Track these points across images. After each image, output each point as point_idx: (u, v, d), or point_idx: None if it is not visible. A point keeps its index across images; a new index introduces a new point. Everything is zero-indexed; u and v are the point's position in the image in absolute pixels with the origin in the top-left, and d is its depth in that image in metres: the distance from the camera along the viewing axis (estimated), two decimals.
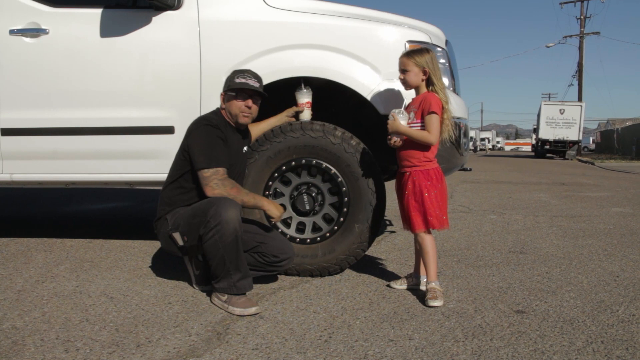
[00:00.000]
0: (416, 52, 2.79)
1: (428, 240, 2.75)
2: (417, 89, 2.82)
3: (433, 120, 2.70)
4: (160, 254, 3.61)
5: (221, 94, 2.84)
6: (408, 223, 2.81)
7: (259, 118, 3.13)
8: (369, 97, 3.09)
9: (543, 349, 2.12)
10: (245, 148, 2.97)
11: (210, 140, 2.68)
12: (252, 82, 2.77)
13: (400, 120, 2.73)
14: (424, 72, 2.75)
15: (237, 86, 2.75)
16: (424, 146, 2.73)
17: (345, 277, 3.14)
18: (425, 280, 2.86)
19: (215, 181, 2.63)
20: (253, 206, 2.73)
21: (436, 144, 2.75)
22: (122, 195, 7.06)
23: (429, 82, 2.78)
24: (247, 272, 2.61)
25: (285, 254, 2.83)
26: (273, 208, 2.74)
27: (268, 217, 2.89)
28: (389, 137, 2.79)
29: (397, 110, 2.76)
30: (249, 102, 2.78)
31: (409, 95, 2.94)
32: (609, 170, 16.58)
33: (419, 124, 2.74)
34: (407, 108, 2.83)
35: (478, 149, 51.99)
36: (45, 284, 2.91)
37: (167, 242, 2.77)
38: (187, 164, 2.74)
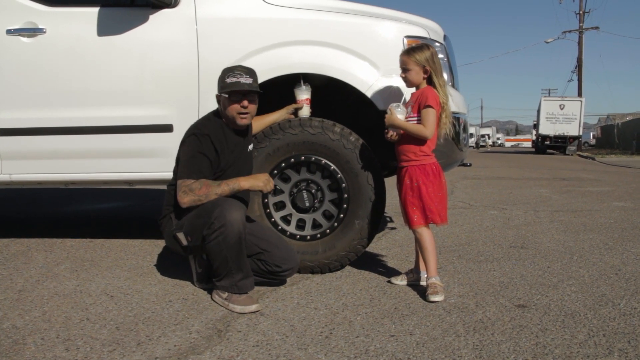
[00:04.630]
0: (416, 49, 2.75)
1: (426, 236, 2.74)
2: (417, 86, 2.81)
3: (429, 114, 2.68)
4: (160, 253, 3.61)
5: (216, 96, 2.76)
6: (405, 219, 2.81)
7: (258, 114, 3.12)
8: (367, 93, 3.08)
9: (544, 342, 2.11)
10: (250, 147, 2.93)
11: (192, 151, 2.62)
12: (244, 80, 2.63)
13: (398, 114, 2.72)
14: (425, 71, 2.74)
15: (229, 88, 2.63)
16: (420, 140, 2.73)
17: (345, 273, 3.13)
18: (425, 276, 2.86)
19: (183, 189, 2.56)
20: (231, 192, 2.60)
21: (432, 138, 2.74)
22: (122, 195, 7.06)
23: (429, 80, 2.77)
24: (249, 272, 2.60)
25: (288, 264, 2.79)
26: (254, 182, 2.65)
27: (263, 195, 2.81)
28: (386, 131, 2.78)
29: (394, 105, 2.75)
30: (244, 102, 2.65)
31: (408, 91, 2.94)
32: (609, 165, 16.56)
33: (416, 118, 2.73)
34: (406, 103, 2.83)
35: (479, 146, 52.02)
36: (46, 284, 2.90)
37: (171, 241, 2.75)
38: None
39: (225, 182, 2.63)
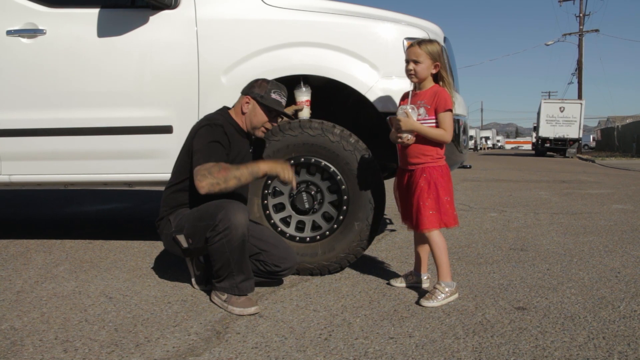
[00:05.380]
0: (427, 42, 2.67)
1: (440, 238, 2.65)
2: (421, 82, 2.68)
3: (448, 118, 2.60)
4: (159, 254, 3.60)
5: (247, 97, 2.76)
6: (417, 221, 2.65)
7: None
8: (367, 95, 3.08)
9: (544, 345, 2.11)
10: (251, 149, 2.95)
11: (208, 139, 2.62)
12: (284, 102, 2.80)
13: (412, 116, 2.60)
14: (436, 66, 2.64)
15: (273, 104, 2.73)
16: (437, 142, 2.64)
17: (345, 275, 3.13)
18: (425, 277, 2.86)
19: (202, 172, 2.51)
20: (251, 176, 2.57)
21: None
22: (121, 196, 7.06)
23: (436, 77, 2.68)
24: (250, 275, 2.59)
25: (286, 263, 2.79)
26: (274, 166, 2.61)
27: (281, 181, 2.66)
28: (400, 135, 2.64)
29: (409, 107, 2.62)
30: (275, 123, 2.82)
31: (405, 90, 2.83)
32: (609, 168, 16.56)
33: (433, 121, 2.63)
34: (413, 103, 2.67)
35: (479, 148, 52.05)
36: (45, 285, 2.90)
37: (170, 243, 2.74)
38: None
39: (244, 165, 2.60)
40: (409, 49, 2.69)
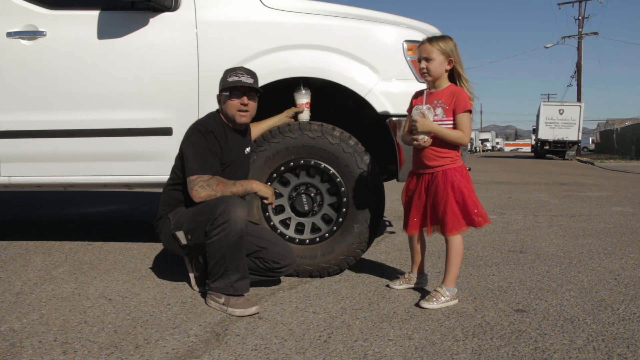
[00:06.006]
0: (439, 39, 2.60)
1: (461, 243, 2.62)
2: (435, 81, 2.61)
3: (467, 120, 2.54)
4: (159, 256, 3.60)
5: (217, 96, 2.81)
6: (443, 225, 2.58)
7: (259, 119, 3.13)
8: (367, 97, 3.08)
9: (543, 347, 2.11)
10: (247, 149, 2.95)
11: (201, 147, 2.64)
12: (245, 79, 2.70)
13: (429, 117, 2.53)
14: (449, 62, 2.57)
15: (229, 85, 2.70)
16: (454, 144, 2.59)
17: (344, 277, 3.13)
18: (424, 279, 2.86)
19: (200, 184, 2.59)
20: (244, 193, 2.72)
21: None
22: (121, 198, 7.05)
23: (450, 74, 2.61)
24: (246, 274, 2.59)
25: (286, 260, 2.80)
26: (264, 188, 2.77)
27: (262, 199, 2.83)
28: (415, 137, 2.57)
29: (424, 107, 2.55)
30: (244, 99, 2.71)
31: (410, 92, 2.81)
32: (608, 170, 16.57)
33: (450, 122, 2.56)
34: (430, 103, 2.59)
35: (479, 150, 52.07)
36: (44, 287, 2.90)
37: (169, 241, 2.75)
38: None
39: (240, 182, 2.72)
40: (419, 47, 2.62)
